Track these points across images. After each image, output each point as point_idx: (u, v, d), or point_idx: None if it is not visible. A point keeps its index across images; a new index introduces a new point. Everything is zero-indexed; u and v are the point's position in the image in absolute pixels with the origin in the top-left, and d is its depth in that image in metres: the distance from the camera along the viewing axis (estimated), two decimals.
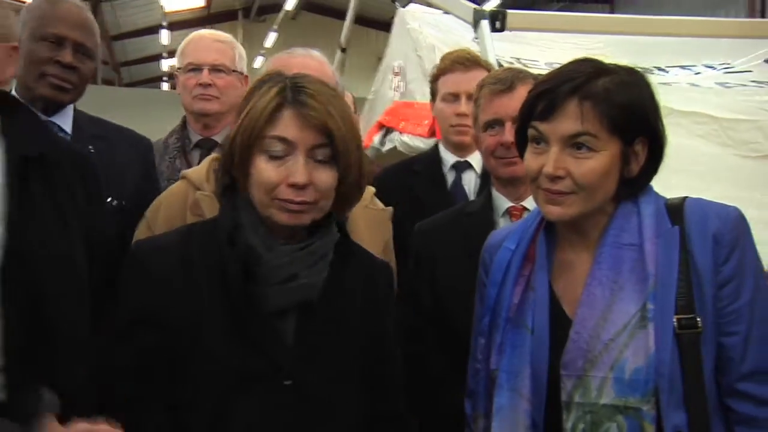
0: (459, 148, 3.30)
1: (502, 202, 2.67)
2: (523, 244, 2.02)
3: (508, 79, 2.61)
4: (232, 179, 1.95)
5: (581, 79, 1.83)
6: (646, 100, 1.89)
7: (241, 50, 3.45)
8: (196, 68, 3.27)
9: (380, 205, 2.73)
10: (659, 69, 4.94)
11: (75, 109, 2.90)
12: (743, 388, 1.81)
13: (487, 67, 3.37)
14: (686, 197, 1.90)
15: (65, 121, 2.83)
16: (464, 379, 2.16)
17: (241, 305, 1.86)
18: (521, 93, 2.36)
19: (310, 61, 2.62)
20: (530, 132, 1.90)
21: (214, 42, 3.37)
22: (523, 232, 2.06)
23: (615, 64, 1.91)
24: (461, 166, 3.28)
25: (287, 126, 1.85)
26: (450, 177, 3.29)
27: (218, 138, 3.27)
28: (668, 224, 1.87)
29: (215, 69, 3.24)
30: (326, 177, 1.89)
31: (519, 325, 1.95)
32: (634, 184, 1.91)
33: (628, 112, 1.83)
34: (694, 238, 1.83)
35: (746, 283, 1.82)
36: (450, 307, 2.45)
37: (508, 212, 2.64)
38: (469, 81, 3.18)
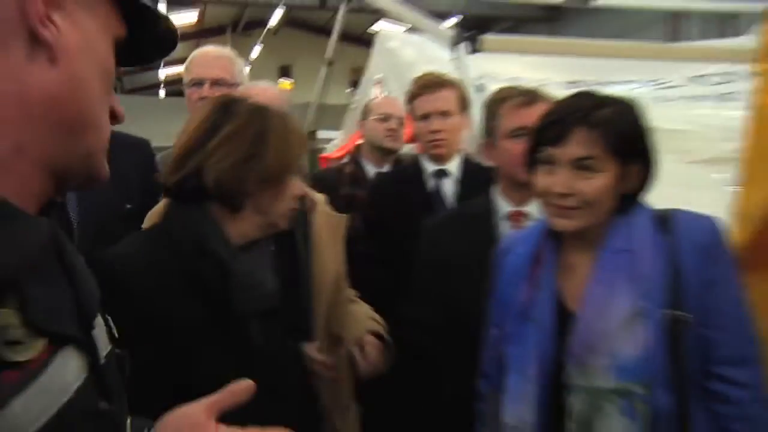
0: (436, 159, 3.45)
1: (503, 205, 2.73)
2: (532, 249, 2.11)
3: (530, 95, 2.69)
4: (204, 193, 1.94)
5: (586, 110, 1.93)
6: (640, 127, 1.99)
7: (240, 64, 3.49)
8: (198, 83, 3.34)
9: (334, 212, 2.82)
10: (606, 83, 5.13)
11: None
12: (720, 372, 1.89)
13: (454, 86, 3.51)
14: (673, 209, 1.99)
15: None
16: (469, 364, 2.25)
17: (221, 312, 1.88)
18: (540, 108, 2.46)
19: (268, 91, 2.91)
20: (541, 155, 2.00)
21: (216, 58, 3.44)
22: (532, 238, 2.15)
23: (613, 96, 2.02)
24: (440, 174, 3.44)
25: None
26: (431, 182, 3.43)
27: None
28: (658, 233, 1.94)
29: (216, 83, 3.31)
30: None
31: (527, 318, 2.04)
32: (630, 199, 2.00)
33: (625, 138, 1.94)
34: (684, 246, 1.91)
35: (728, 285, 1.92)
36: (459, 296, 2.49)
37: (509, 216, 2.70)
38: (437, 101, 3.41)
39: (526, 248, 2.17)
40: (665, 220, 1.98)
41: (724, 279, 1.93)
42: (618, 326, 1.90)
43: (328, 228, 2.68)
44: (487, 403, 2.15)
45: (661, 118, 4.22)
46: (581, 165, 1.95)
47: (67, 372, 0.88)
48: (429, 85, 3.52)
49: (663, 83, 5.27)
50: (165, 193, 2.06)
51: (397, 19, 5.16)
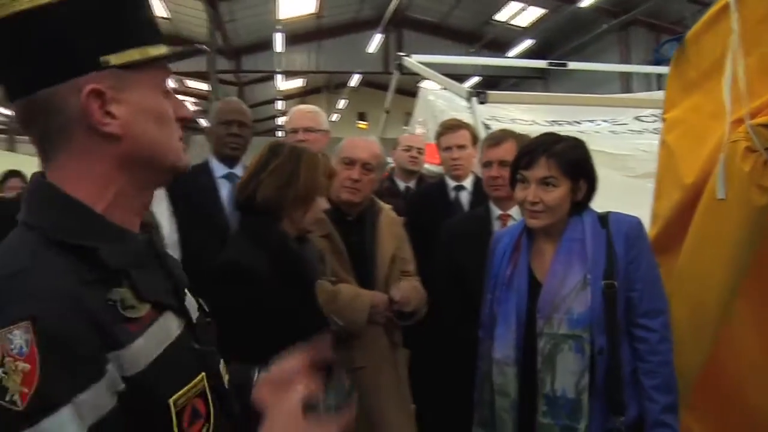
0: (455, 178, 3.43)
1: (495, 211, 2.79)
2: (514, 240, 2.13)
3: (496, 137, 2.77)
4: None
5: (548, 145, 1.99)
6: (585, 157, 2.03)
7: (324, 116, 3.40)
8: (295, 130, 3.26)
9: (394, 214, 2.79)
10: (576, 122, 5.02)
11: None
12: (639, 321, 1.92)
13: (468, 127, 3.51)
14: (609, 212, 2.03)
15: (240, 170, 2.95)
16: (475, 320, 2.23)
17: (297, 281, 2.02)
18: (505, 146, 2.66)
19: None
20: (518, 176, 2.04)
21: (306, 112, 3.38)
22: (514, 232, 2.17)
23: (567, 136, 2.08)
24: (459, 188, 3.42)
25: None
26: (452, 194, 3.42)
27: None
28: (599, 227, 1.97)
29: (307, 130, 3.23)
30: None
31: (509, 287, 2.05)
32: (579, 205, 2.02)
33: (574, 163, 1.98)
34: (614, 236, 1.94)
35: (643, 261, 1.95)
36: (467, 274, 2.49)
37: (500, 217, 2.77)
38: (456, 138, 3.40)
39: (510, 239, 2.17)
40: (604, 218, 2.01)
41: (640, 258, 1.96)
42: (571, 291, 1.93)
43: (389, 225, 2.66)
44: (484, 345, 2.15)
45: (612, 146, 4.20)
46: (545, 182, 1.99)
47: (169, 326, 0.93)
48: (450, 126, 3.51)
49: (615, 121, 5.10)
50: (236, 206, 2.15)
51: (431, 79, 5.14)
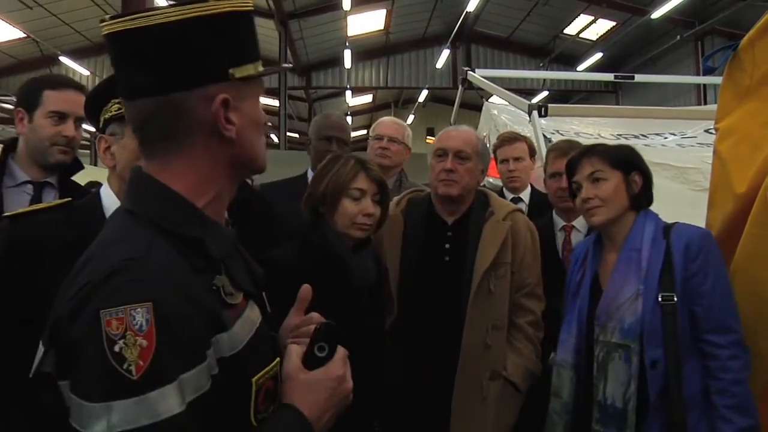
0: (513, 190, 3.45)
1: (558, 221, 2.81)
2: (584, 251, 2.16)
3: (563, 148, 2.75)
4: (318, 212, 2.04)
5: (587, 148, 2.11)
6: (631, 151, 2.10)
7: (409, 131, 3.37)
8: (380, 137, 3.24)
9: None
10: (643, 136, 4.97)
11: None
12: (708, 338, 1.87)
13: (525, 140, 3.52)
14: (676, 222, 2.00)
15: None
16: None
17: (343, 287, 1.95)
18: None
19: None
20: (573, 185, 2.10)
21: (393, 123, 3.37)
22: (586, 244, 2.20)
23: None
24: (516, 200, 3.41)
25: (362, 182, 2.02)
26: None
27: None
28: (660, 238, 1.95)
29: (391, 139, 3.22)
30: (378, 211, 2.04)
31: (576, 295, 2.09)
32: (639, 200, 2.03)
33: (619, 156, 2.04)
34: (674, 247, 1.91)
35: (709, 275, 1.88)
36: None
37: (563, 228, 2.79)
38: (513, 150, 3.42)
39: (583, 247, 2.21)
40: (668, 229, 1.98)
41: (706, 271, 1.89)
42: (626, 301, 1.92)
43: (495, 229, 2.33)
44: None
45: (679, 159, 4.12)
46: (593, 178, 2.04)
47: (254, 313, 1.04)
48: (507, 138, 3.53)
49: (684, 135, 5.01)
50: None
51: (494, 93, 5.22)
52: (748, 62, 2.10)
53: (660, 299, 1.87)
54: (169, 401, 0.83)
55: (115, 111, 1.62)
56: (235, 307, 0.98)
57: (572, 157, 2.13)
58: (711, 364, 1.86)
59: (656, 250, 1.93)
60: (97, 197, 1.67)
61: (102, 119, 1.67)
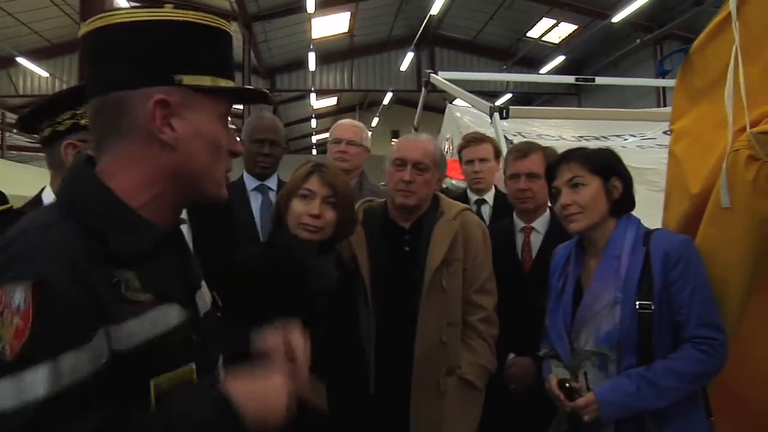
0: (477, 192, 3.41)
1: (519, 223, 2.81)
2: (566, 256, 2.14)
3: (522, 150, 2.80)
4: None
5: (567, 153, 2.07)
6: (611, 156, 2.06)
7: (367, 133, 3.39)
8: (338, 141, 3.27)
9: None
10: (604, 137, 5.08)
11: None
12: (698, 333, 1.84)
13: (491, 141, 3.50)
14: (658, 229, 2.01)
15: (272, 182, 3.00)
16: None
17: (300, 291, 1.96)
18: (532, 157, 2.69)
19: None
20: (553, 190, 2.07)
21: (351, 126, 3.39)
22: (568, 248, 2.16)
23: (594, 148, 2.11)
24: (480, 202, 3.40)
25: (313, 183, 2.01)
26: (473, 208, 3.31)
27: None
28: (640, 245, 1.92)
29: (350, 143, 3.25)
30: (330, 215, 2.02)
31: (559, 299, 2.07)
32: (620, 206, 2.00)
33: (599, 162, 2.00)
34: (653, 254, 1.89)
35: (689, 283, 1.86)
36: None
37: (523, 230, 2.79)
38: (478, 151, 3.37)
39: (565, 251, 2.17)
40: (648, 235, 1.96)
41: (686, 279, 1.87)
42: (603, 308, 1.91)
43: (445, 228, 2.39)
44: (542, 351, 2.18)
45: (637, 160, 4.19)
46: (573, 183, 1.99)
47: (169, 315, 1.01)
48: (473, 139, 3.49)
49: (643, 136, 5.15)
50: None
51: (456, 95, 5.24)
52: (699, 65, 2.15)
53: (637, 307, 1.86)
54: (44, 383, 0.82)
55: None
56: (136, 303, 0.95)
57: (552, 161, 2.11)
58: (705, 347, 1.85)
59: (635, 258, 1.91)
60: (39, 201, 1.70)
61: (71, 124, 1.73)
